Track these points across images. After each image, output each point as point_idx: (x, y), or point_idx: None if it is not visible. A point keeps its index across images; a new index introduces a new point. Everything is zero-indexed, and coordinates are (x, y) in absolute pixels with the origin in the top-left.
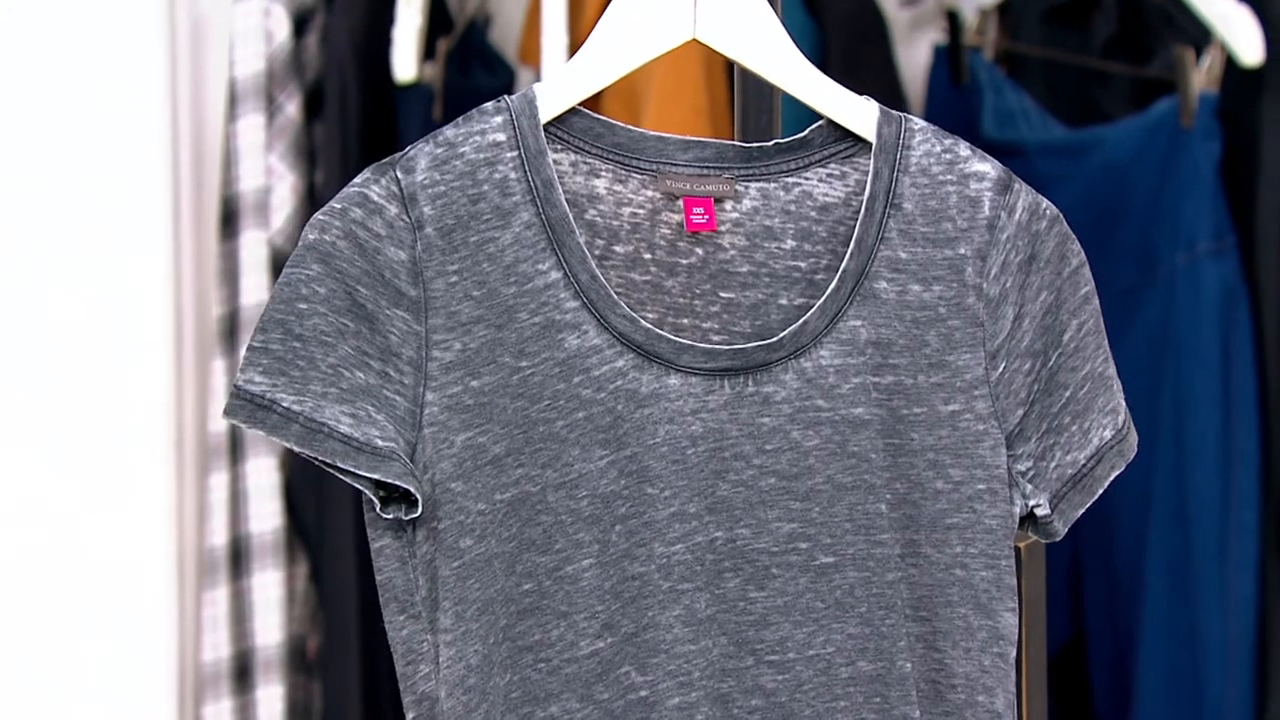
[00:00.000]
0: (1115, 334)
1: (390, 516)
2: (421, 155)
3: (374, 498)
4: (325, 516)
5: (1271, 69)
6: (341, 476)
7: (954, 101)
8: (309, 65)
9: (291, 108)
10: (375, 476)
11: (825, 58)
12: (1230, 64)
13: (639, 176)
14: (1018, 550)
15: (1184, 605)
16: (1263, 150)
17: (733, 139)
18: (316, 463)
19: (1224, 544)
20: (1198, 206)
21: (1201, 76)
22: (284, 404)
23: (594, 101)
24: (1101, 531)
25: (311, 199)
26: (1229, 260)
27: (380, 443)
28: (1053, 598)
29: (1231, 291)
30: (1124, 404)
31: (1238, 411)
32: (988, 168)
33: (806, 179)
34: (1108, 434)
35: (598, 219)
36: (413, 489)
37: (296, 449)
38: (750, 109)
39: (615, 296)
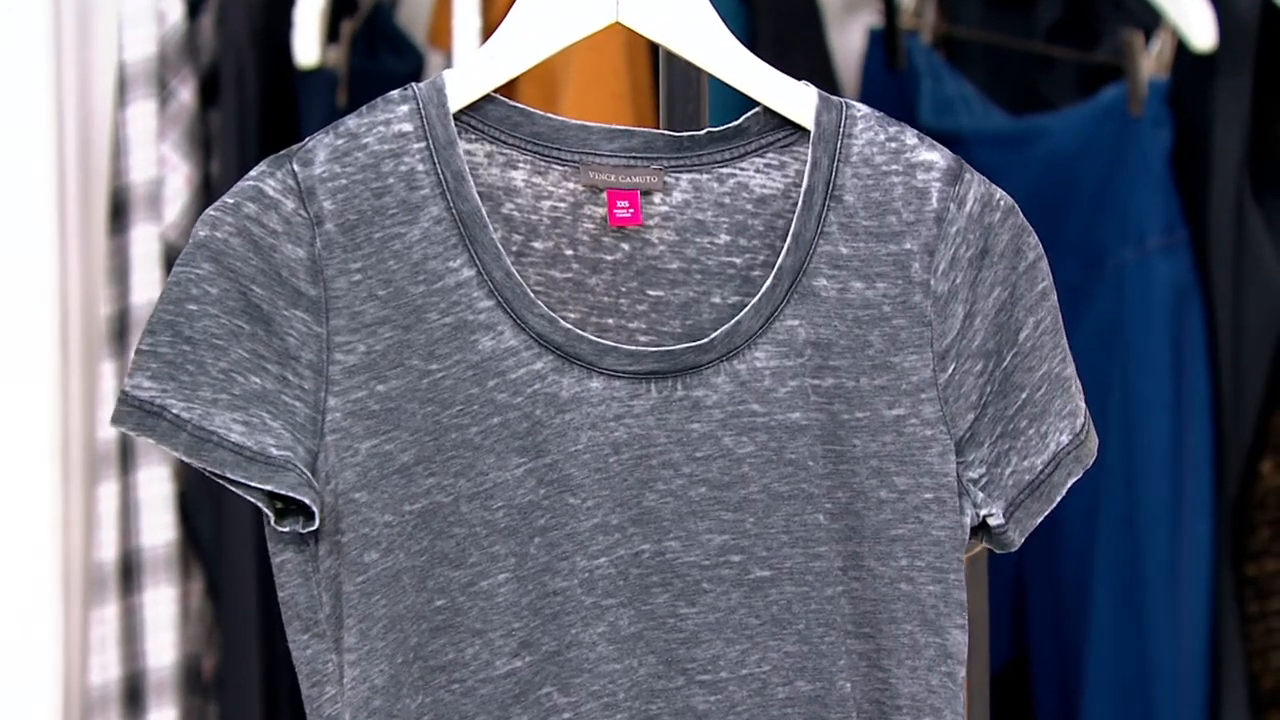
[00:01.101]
0: None
1: (287, 530)
2: (321, 147)
3: (268, 511)
4: (223, 529)
5: (1224, 54)
6: (233, 488)
7: (890, 88)
8: (204, 48)
9: (185, 94)
10: (268, 488)
11: (754, 41)
12: (1181, 49)
13: (560, 168)
14: None
15: (1133, 622)
16: (1215, 140)
17: (658, 128)
18: (207, 474)
19: (1175, 557)
20: (1147, 199)
21: (1151, 62)
22: (173, 411)
23: (508, 88)
24: (1045, 543)
25: (207, 191)
26: (1180, 256)
27: (275, 452)
28: (995, 614)
29: (1183, 289)
30: (1084, 406)
31: (1190, 416)
32: (936, 157)
33: (742, 170)
34: (1065, 438)
35: (515, 213)
36: (308, 501)
37: (185, 459)
38: (676, 95)
39: (532, 295)
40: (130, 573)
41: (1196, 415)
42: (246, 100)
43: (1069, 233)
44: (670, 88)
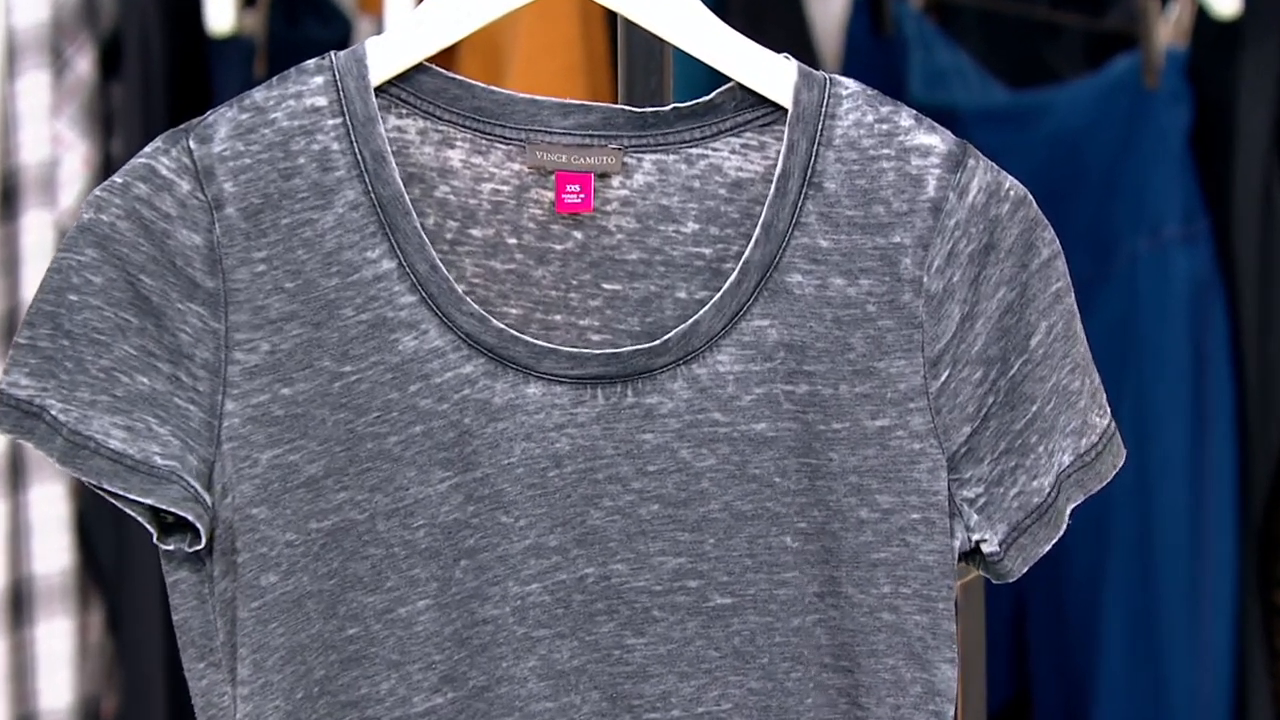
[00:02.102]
0: None
1: (173, 548)
2: (223, 122)
3: (151, 526)
4: (126, 553)
5: (1250, 21)
6: (113, 501)
7: (876, 58)
8: (104, 13)
9: (83, 64)
10: (148, 501)
11: (725, 8)
12: (1201, 15)
13: (504, 147)
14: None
15: (1147, 655)
16: (1240, 116)
17: (615, 102)
18: (85, 484)
19: (1194, 582)
20: (1163, 183)
21: (1168, 29)
22: (51, 412)
23: (447, 59)
24: (1049, 568)
25: (108, 173)
26: (1200, 247)
27: (159, 461)
28: (992, 646)
29: (1203, 284)
30: (1099, 422)
31: (1211, 426)
32: (935, 140)
33: (715, 150)
34: (1066, 459)
35: (450, 196)
36: (192, 518)
37: (61, 466)
38: (636, 69)
39: (459, 291)
40: (21, 603)
41: (1218, 425)
42: (152, 71)
43: (1076, 221)
44: (630, 60)
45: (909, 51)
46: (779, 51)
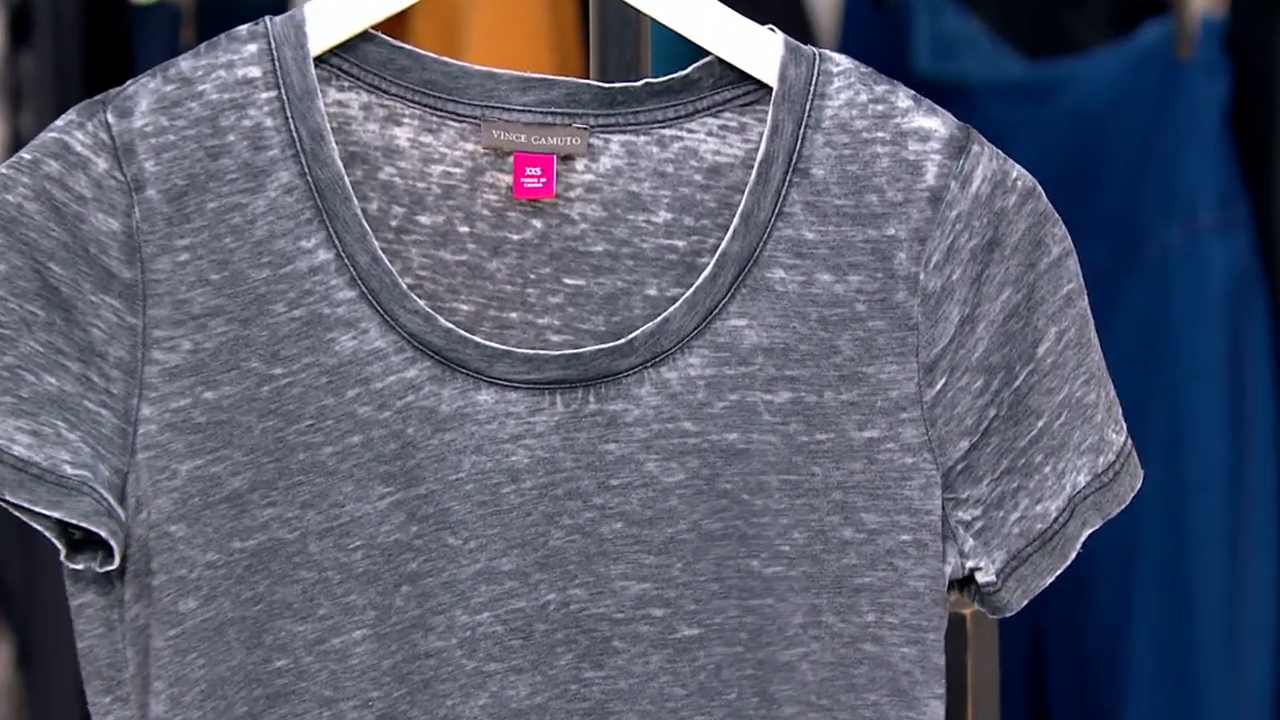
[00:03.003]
0: None
1: (82, 568)
2: (144, 93)
3: (57, 543)
4: (36, 581)
5: None
6: (16, 514)
7: (877, 27)
8: None
9: None
10: (56, 515)
11: None
12: None
13: (456, 125)
14: (962, 619)
15: (1179, 692)
16: None
17: (585, 78)
18: None
19: (1232, 609)
20: (1198, 165)
21: None
22: None
23: (398, 26)
24: (1070, 592)
25: (16, 149)
26: (1239, 235)
27: (69, 470)
28: (1007, 680)
29: (1242, 277)
30: (1116, 439)
31: (1252, 434)
32: (935, 124)
33: (690, 132)
34: (1082, 479)
35: (396, 179)
36: (105, 534)
37: None
38: (610, 37)
39: (404, 285)
40: None
41: (1259, 433)
42: (66, 39)
43: (1101, 208)
44: (603, 28)
45: (914, 18)
46: (769, 20)
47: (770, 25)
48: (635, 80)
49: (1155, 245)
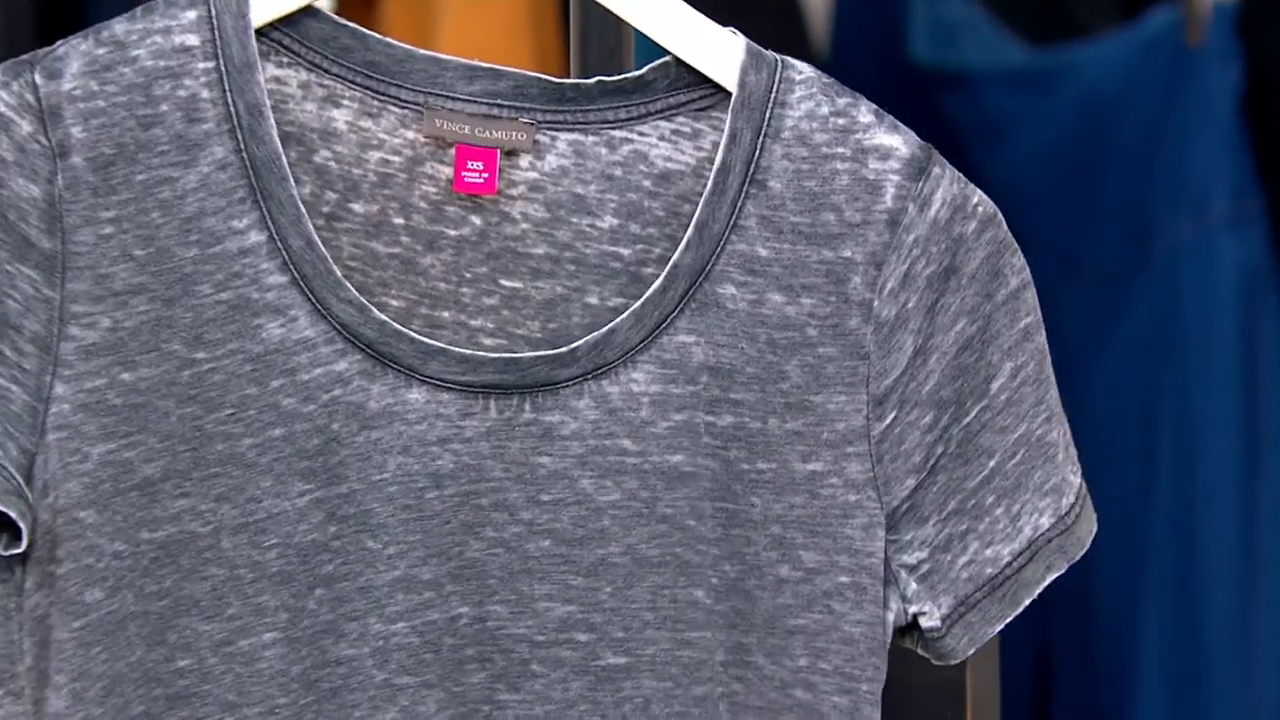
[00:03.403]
0: (1093, 338)
1: None
2: (75, 55)
3: None
4: None
5: None
6: None
7: (872, 11)
8: None
9: None
10: None
11: None
12: None
13: (398, 111)
14: None
15: (1190, 707)
16: None
17: (566, 68)
18: None
19: (1246, 626)
20: (1210, 156)
21: None
22: None
23: (367, 11)
24: (1077, 610)
25: None
26: (1252, 230)
27: None
28: (1010, 703)
29: (1256, 273)
30: (1075, 480)
31: (1267, 440)
32: (896, 142)
33: (642, 135)
34: (1045, 521)
35: (331, 163)
36: (14, 515)
37: None
38: (591, 24)
39: (339, 274)
40: None
41: (1273, 436)
42: (16, 2)
43: (1107, 201)
44: (584, 14)
45: (911, 2)
46: (755, 8)
47: (733, 28)
48: (617, 70)
49: (1164, 240)
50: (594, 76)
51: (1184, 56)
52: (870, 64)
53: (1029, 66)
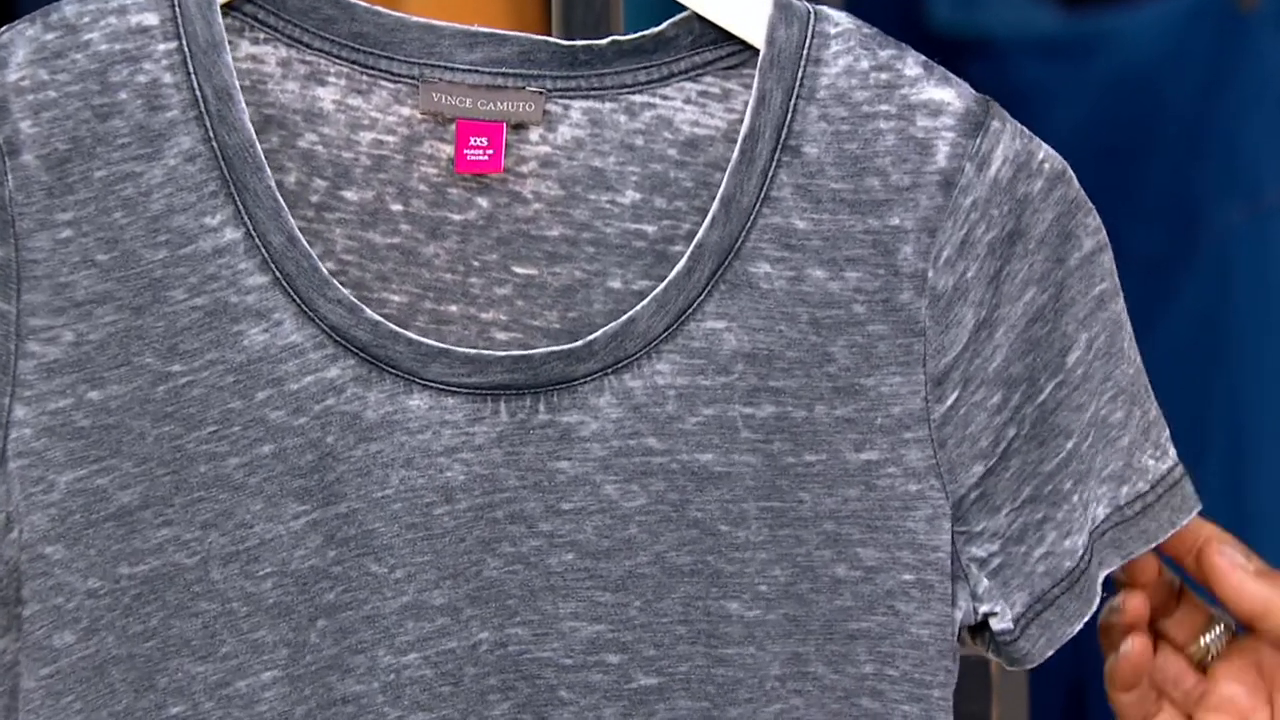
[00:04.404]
0: (1135, 330)
1: None
2: (20, 42)
3: None
4: None
5: None
6: None
7: None
8: None
9: None
10: None
11: None
12: None
13: (391, 86)
14: (986, 663)
15: None
16: None
17: (547, 34)
18: None
19: None
20: (1263, 134)
21: None
22: None
23: None
24: None
25: None
26: None
27: None
28: None
29: None
30: (1153, 465)
31: None
32: (949, 96)
33: (666, 99)
34: (1100, 511)
35: (318, 148)
36: None
37: None
38: None
39: (325, 271)
40: None
41: None
42: None
43: (1150, 184)
44: None
45: None
46: None
47: None
48: (603, 35)
49: (1214, 227)
50: (579, 39)
51: (1235, 22)
52: (886, 30)
53: (1061, 33)
